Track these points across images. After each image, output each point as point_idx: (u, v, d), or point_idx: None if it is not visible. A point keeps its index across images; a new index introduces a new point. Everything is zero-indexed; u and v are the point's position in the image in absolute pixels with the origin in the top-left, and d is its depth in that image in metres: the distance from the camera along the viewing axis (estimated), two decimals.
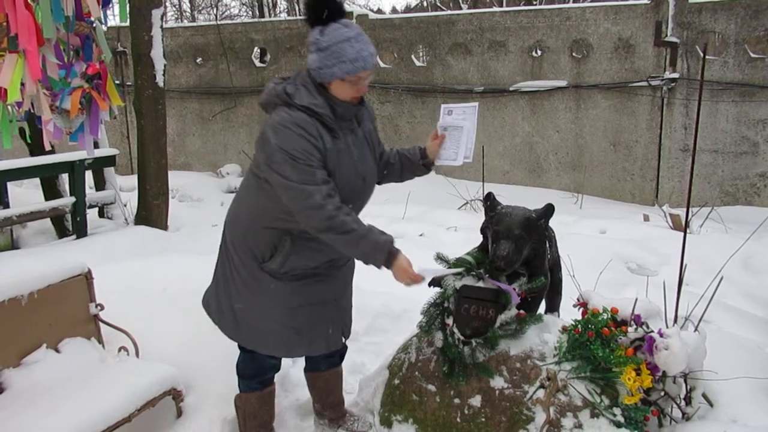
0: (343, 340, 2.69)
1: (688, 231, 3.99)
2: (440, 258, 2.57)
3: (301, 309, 2.46)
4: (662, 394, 2.42)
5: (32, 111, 3.22)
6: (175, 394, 2.80)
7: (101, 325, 3.00)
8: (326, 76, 2.22)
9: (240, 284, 2.46)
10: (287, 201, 2.22)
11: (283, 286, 2.42)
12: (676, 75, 8.75)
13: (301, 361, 2.86)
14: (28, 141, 5.47)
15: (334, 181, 2.24)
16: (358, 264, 2.50)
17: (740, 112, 8.60)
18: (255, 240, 2.40)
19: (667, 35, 8.73)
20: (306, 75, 2.29)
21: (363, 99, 2.40)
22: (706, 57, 2.98)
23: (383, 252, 2.22)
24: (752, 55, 8.52)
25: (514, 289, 2.49)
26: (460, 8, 18.87)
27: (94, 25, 3.26)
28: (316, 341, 2.54)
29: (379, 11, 25.71)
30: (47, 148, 3.56)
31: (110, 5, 3.38)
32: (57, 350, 2.78)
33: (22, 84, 2.89)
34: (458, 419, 2.46)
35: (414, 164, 2.60)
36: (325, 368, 2.81)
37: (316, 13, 2.19)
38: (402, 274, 2.25)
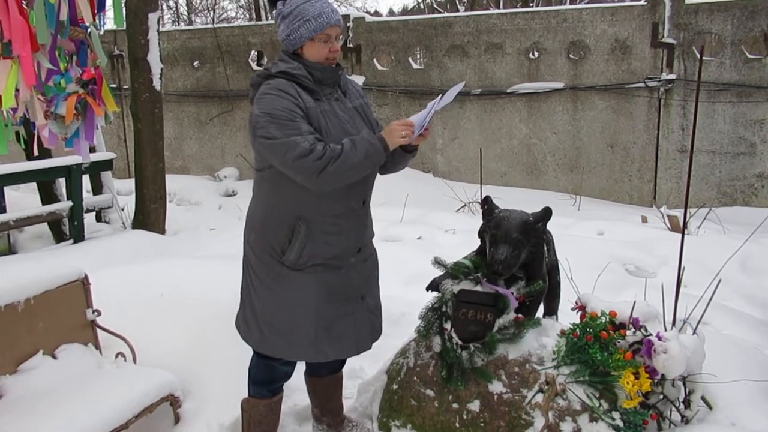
0: (372, 342, 2.62)
1: (686, 232, 3.98)
2: (438, 263, 2.57)
3: (326, 307, 2.42)
4: (661, 397, 2.42)
5: (27, 116, 3.22)
6: (173, 400, 2.79)
7: (98, 330, 2.99)
8: (296, 40, 2.31)
9: (259, 287, 2.45)
10: (278, 160, 2.23)
11: (304, 278, 2.39)
12: (673, 76, 8.76)
13: (300, 367, 2.85)
14: (23, 146, 5.46)
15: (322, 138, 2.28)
16: None
17: (737, 112, 8.62)
18: (271, 232, 2.40)
19: (663, 36, 8.74)
20: (281, 51, 2.39)
21: (339, 65, 2.44)
22: (703, 58, 2.99)
23: (374, 140, 2.26)
24: (749, 55, 8.53)
25: (512, 292, 2.48)
26: (457, 10, 18.89)
27: (89, 30, 3.25)
28: (346, 342, 2.49)
29: (376, 13, 25.72)
30: (35, 153, 3.56)
31: (105, 10, 3.37)
32: (54, 356, 2.77)
33: (17, 90, 2.88)
34: (457, 424, 2.46)
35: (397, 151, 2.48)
36: (326, 373, 2.79)
37: None
38: (395, 135, 2.28)
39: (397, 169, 2.55)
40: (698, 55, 8.44)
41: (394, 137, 2.29)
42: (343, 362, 2.84)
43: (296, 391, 3.15)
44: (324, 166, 2.18)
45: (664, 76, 8.80)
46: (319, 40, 2.31)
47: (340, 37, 2.39)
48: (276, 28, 2.42)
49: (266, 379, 2.62)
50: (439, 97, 2.35)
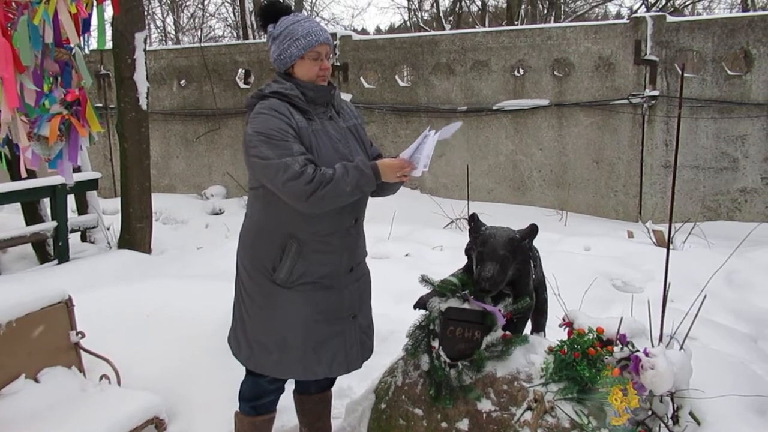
0: (362, 361, 2.60)
1: (671, 247, 4.01)
2: (425, 280, 2.56)
3: (316, 326, 2.41)
4: (650, 413, 2.42)
5: (10, 137, 3.20)
6: (158, 423, 2.75)
7: (82, 353, 2.94)
8: (286, 59, 2.36)
9: (250, 305, 2.45)
10: (270, 181, 2.25)
11: (294, 296, 2.39)
12: (656, 93, 8.88)
13: (288, 388, 2.83)
14: (4, 167, 5.41)
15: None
16: None
17: (719, 128, 8.74)
18: (263, 250, 2.40)
19: (646, 54, 8.87)
20: (275, 74, 2.44)
21: (332, 84, 2.48)
22: (685, 75, 3.04)
23: (367, 170, 2.28)
24: (729, 72, 8.67)
25: (500, 310, 2.48)
26: (443, 28, 19.08)
27: (74, 51, 3.25)
28: (336, 361, 2.48)
29: (363, 32, 25.91)
30: (23, 175, 3.53)
31: (90, 31, 3.37)
32: (36, 380, 2.72)
33: None
34: None
35: None
36: (315, 391, 2.76)
37: (268, 16, 2.39)
38: (392, 172, 2.32)
39: (388, 194, 2.58)
40: (680, 72, 8.56)
41: (389, 175, 2.33)
42: (332, 381, 2.82)
43: (284, 412, 3.11)
44: (313, 190, 2.19)
45: (648, 92, 8.91)
46: (309, 58, 2.35)
47: (331, 56, 2.43)
48: (265, 48, 2.46)
49: (251, 395, 2.60)
50: (434, 132, 2.36)
